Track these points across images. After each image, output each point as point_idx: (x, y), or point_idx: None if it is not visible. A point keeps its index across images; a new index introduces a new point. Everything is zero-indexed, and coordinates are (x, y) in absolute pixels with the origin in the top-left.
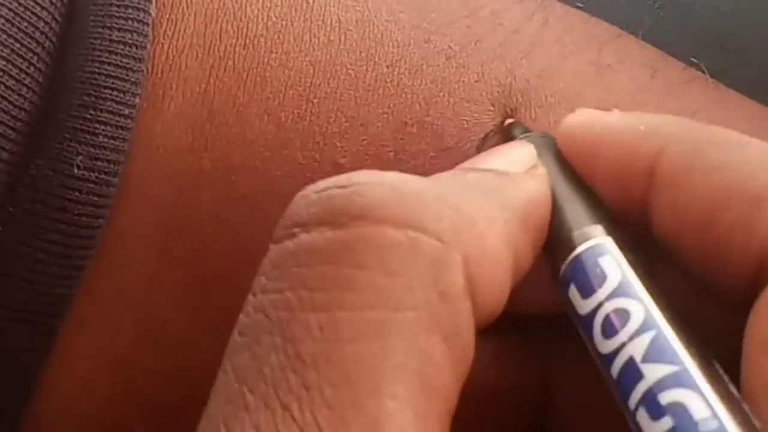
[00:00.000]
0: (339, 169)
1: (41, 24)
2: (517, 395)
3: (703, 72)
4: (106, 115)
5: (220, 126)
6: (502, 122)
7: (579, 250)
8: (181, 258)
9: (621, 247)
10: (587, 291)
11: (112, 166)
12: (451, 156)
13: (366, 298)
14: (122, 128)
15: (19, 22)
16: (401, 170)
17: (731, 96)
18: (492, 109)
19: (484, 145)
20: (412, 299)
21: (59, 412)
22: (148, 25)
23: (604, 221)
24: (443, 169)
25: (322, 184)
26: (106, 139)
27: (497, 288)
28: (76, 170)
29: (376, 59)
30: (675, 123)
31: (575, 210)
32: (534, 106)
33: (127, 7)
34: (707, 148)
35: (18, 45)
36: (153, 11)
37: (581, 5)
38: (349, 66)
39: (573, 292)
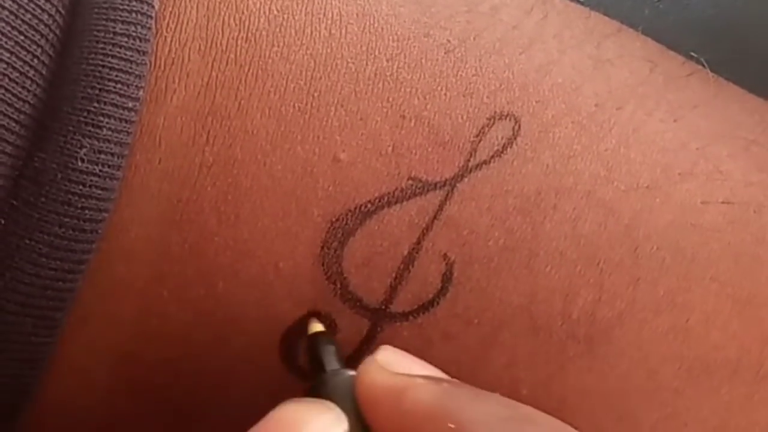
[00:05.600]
0: (338, 164)
1: (45, 17)
2: None
3: (703, 66)
4: (110, 108)
5: (221, 119)
6: (305, 320)
7: None
8: (182, 251)
9: None
10: None
11: (115, 159)
12: (447, 151)
13: None
14: (126, 121)
15: (23, 14)
16: (399, 165)
17: (731, 90)
18: (488, 102)
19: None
20: None
21: (61, 405)
22: (151, 17)
23: None
24: (439, 163)
25: None
26: (110, 132)
27: None
28: (80, 163)
29: (376, 53)
30: (495, 424)
31: None
32: (532, 100)
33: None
34: None
35: (22, 38)
36: (156, 4)
37: (581, 0)
38: (349, 59)
39: None
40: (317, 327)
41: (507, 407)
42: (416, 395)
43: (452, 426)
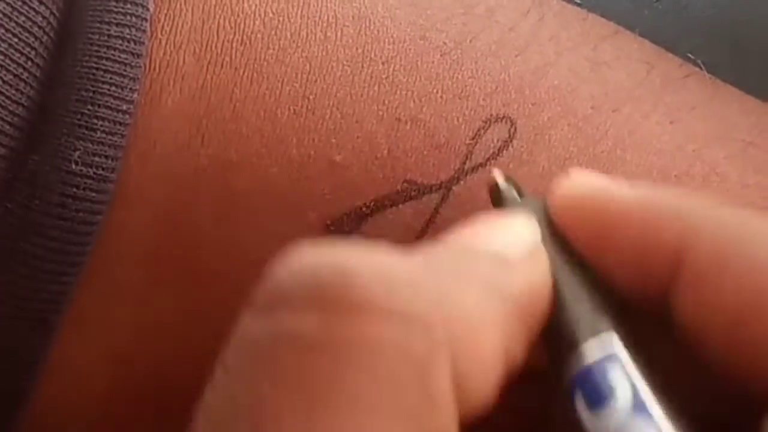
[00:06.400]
0: (333, 167)
1: (39, 19)
2: None
3: (700, 68)
4: (104, 110)
5: (216, 122)
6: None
7: (587, 360)
8: (178, 254)
9: (629, 349)
10: (595, 405)
11: (109, 161)
12: (443, 154)
13: (349, 403)
14: (120, 124)
15: (17, 17)
16: (395, 168)
17: (729, 92)
18: (483, 104)
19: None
20: (399, 407)
21: (57, 408)
22: (146, 20)
23: (610, 316)
24: (435, 166)
25: (308, 256)
26: (104, 135)
27: (485, 387)
28: (74, 166)
29: (372, 56)
30: (706, 208)
31: (580, 304)
32: (528, 103)
33: (125, 2)
34: (743, 245)
35: (16, 40)
36: (151, 6)
37: (579, 1)
38: (345, 62)
39: (580, 400)
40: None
41: None
42: (622, 193)
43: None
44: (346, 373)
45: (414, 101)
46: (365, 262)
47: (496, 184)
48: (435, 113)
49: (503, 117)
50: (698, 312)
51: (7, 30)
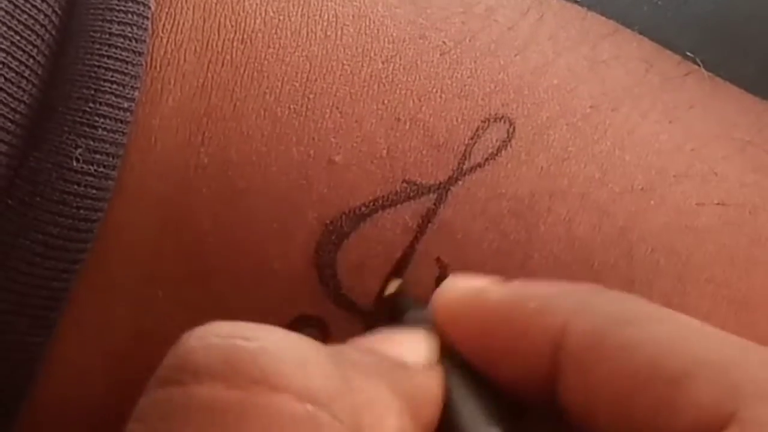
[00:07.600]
0: (332, 166)
1: (41, 17)
2: None
3: (699, 66)
4: (105, 108)
5: (217, 120)
6: (384, 289)
7: None
8: (177, 252)
9: None
10: None
11: (110, 159)
12: (441, 154)
13: None
14: (121, 121)
15: (19, 14)
16: (394, 167)
17: (728, 90)
18: (482, 104)
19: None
20: None
21: (56, 406)
22: (147, 18)
23: (500, 420)
24: (434, 166)
25: (223, 328)
26: (105, 133)
27: None
28: (75, 163)
29: (372, 55)
30: (573, 294)
31: (469, 411)
32: (527, 102)
33: (126, 0)
34: (614, 326)
35: (18, 37)
36: (152, 5)
37: None
38: (345, 62)
39: None
40: (393, 288)
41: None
42: (496, 294)
43: (533, 305)
44: None
45: (413, 101)
46: (282, 343)
47: (391, 294)
48: (434, 113)
49: (502, 117)
50: (581, 395)
51: (9, 28)
